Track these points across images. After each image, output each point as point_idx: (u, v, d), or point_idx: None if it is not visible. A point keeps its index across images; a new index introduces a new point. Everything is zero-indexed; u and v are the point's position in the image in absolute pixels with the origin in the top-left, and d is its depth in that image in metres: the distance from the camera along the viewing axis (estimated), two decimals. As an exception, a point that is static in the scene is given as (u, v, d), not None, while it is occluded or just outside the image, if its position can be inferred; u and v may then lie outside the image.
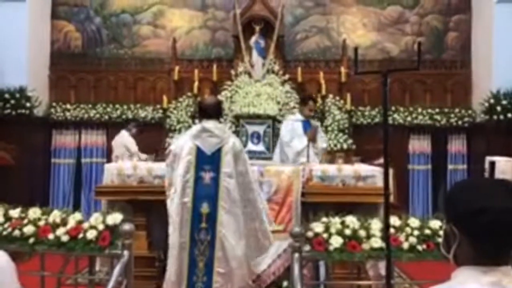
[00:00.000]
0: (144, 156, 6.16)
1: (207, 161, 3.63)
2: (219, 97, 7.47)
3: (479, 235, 1.15)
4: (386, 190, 2.60)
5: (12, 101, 7.38)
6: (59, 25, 8.55)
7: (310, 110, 5.91)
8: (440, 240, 3.24)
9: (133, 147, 7.01)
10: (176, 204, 3.57)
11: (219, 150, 3.64)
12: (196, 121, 7.38)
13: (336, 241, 3.15)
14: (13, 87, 7.46)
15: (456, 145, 8.17)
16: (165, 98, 7.52)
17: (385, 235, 2.57)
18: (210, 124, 3.70)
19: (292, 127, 5.88)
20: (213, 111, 3.79)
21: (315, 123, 6.12)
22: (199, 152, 3.63)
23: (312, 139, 5.60)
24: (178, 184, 3.62)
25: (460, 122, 8.03)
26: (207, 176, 3.61)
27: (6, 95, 7.40)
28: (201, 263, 3.60)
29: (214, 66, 7.70)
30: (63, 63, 8.46)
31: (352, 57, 8.01)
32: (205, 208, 3.58)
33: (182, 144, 3.74)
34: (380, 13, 8.48)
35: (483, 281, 1.14)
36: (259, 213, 3.76)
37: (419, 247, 3.22)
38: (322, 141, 5.89)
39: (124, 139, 7.09)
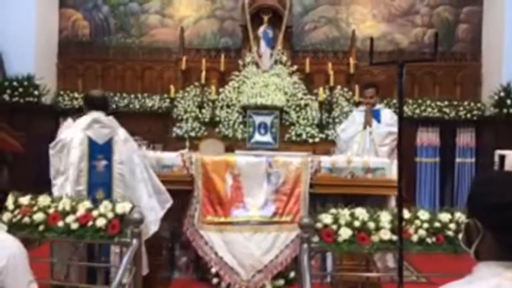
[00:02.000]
0: None
1: (99, 150, 3.86)
2: (227, 87, 7.46)
3: (505, 229, 1.14)
4: (400, 182, 2.57)
5: (20, 89, 7.39)
6: (67, 14, 8.53)
7: (370, 97, 5.90)
8: (449, 233, 3.22)
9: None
10: (69, 193, 3.70)
11: (110, 140, 3.87)
12: (203, 111, 7.39)
13: (345, 233, 3.14)
14: (21, 75, 7.47)
15: (465, 138, 8.10)
16: (172, 88, 7.50)
17: (398, 228, 2.55)
18: (100, 115, 3.90)
19: (353, 118, 6.11)
20: (101, 104, 4.03)
21: (377, 107, 6.05)
22: (91, 142, 3.83)
23: (367, 123, 5.77)
24: (71, 173, 3.79)
25: (469, 115, 7.96)
26: (101, 164, 3.83)
27: (15, 83, 7.40)
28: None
29: (222, 56, 7.65)
30: (70, 51, 8.45)
31: (361, 48, 8.07)
32: (100, 194, 3.78)
33: (72, 135, 3.90)
34: (391, 4, 8.38)
35: (507, 276, 1.12)
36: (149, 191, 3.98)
37: (429, 240, 3.20)
38: (383, 126, 5.80)
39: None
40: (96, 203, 3.43)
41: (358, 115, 6.05)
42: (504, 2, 7.61)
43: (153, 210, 3.93)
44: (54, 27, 8.42)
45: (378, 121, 5.88)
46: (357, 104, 7.16)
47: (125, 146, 3.97)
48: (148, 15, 8.46)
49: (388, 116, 5.90)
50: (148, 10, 8.47)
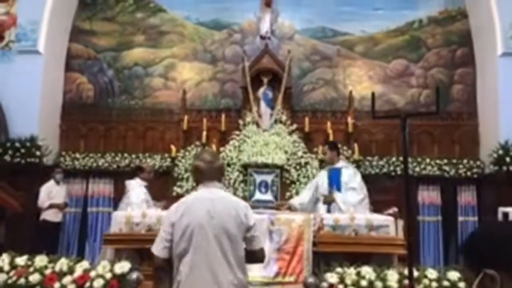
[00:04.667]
0: None
1: None
2: (227, 146, 7.52)
3: None
4: (410, 238, 2.53)
5: (22, 150, 7.46)
6: (72, 77, 8.79)
7: (324, 155, 5.82)
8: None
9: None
10: None
11: None
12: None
13: (352, 292, 3.04)
14: (24, 136, 7.56)
15: (466, 196, 8.07)
16: (173, 148, 7.57)
17: (409, 285, 2.48)
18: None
19: (319, 175, 5.79)
20: None
21: (338, 166, 5.55)
22: None
23: (328, 202, 5.28)
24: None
25: (469, 173, 7.98)
26: None
27: (17, 144, 7.48)
28: None
29: (223, 116, 7.80)
30: (74, 113, 8.61)
31: (359, 108, 8.25)
32: None
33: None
34: (386, 67, 8.68)
35: None
36: None
37: (438, 299, 3.10)
38: (351, 195, 5.24)
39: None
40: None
41: (324, 176, 5.57)
42: (496, 63, 7.87)
43: None
44: (59, 89, 8.64)
45: (336, 182, 5.28)
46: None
47: None
48: (152, 78, 8.73)
49: (347, 178, 5.34)
50: (152, 73, 8.75)
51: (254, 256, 2.53)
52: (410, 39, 8.74)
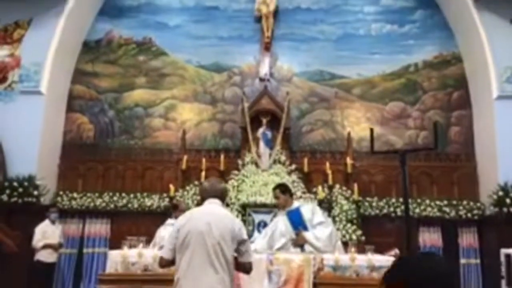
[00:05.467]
0: None
1: None
2: (227, 185, 7.48)
3: None
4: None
5: (20, 190, 7.42)
6: (73, 117, 8.88)
7: (276, 198, 5.08)
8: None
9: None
10: None
11: None
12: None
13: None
14: (22, 176, 7.54)
15: (468, 239, 7.97)
16: (172, 187, 7.54)
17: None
18: None
19: (276, 224, 5.05)
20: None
21: (295, 206, 5.01)
22: None
23: (300, 243, 4.82)
24: None
25: (469, 215, 7.92)
26: None
27: (15, 183, 7.45)
28: None
29: (222, 156, 7.83)
30: (73, 153, 8.63)
31: (357, 148, 8.30)
32: None
33: None
34: (383, 108, 8.80)
35: None
36: None
37: None
38: (320, 230, 4.84)
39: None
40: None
41: (282, 221, 5.00)
42: (491, 105, 7.99)
43: None
44: (60, 129, 8.71)
45: (299, 222, 4.88)
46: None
47: None
48: (152, 119, 8.83)
49: (309, 215, 4.93)
50: (152, 114, 8.85)
51: (244, 267, 3.02)
52: (406, 82, 8.92)
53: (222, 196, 3.17)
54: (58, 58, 8.38)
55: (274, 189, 5.12)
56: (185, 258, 2.86)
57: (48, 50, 8.21)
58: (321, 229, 4.84)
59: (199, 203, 3.14)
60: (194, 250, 2.85)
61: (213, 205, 3.05)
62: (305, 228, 4.84)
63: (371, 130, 2.79)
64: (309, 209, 5.01)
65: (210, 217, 2.93)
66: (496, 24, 8.11)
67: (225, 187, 3.42)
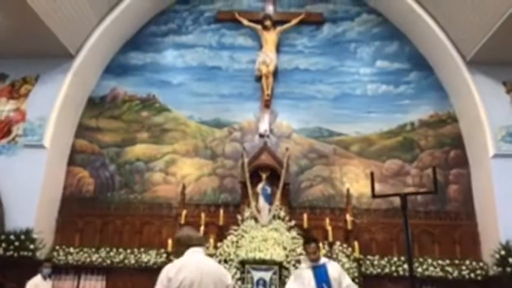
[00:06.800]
0: None
1: None
2: (225, 241, 7.39)
3: None
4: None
5: (16, 243, 7.31)
6: (74, 171, 8.93)
7: (313, 253, 4.91)
8: None
9: None
10: None
11: None
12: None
13: None
14: (20, 229, 7.47)
15: (472, 300, 7.74)
16: (170, 242, 7.44)
17: None
18: None
19: (300, 274, 4.95)
20: None
21: (322, 262, 4.90)
22: None
23: None
24: None
25: (472, 275, 7.74)
26: None
27: (12, 237, 7.36)
28: None
29: (221, 211, 7.80)
30: (72, 207, 8.59)
31: (357, 205, 8.29)
32: None
33: None
34: (381, 166, 8.88)
35: None
36: None
37: None
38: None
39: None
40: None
41: (306, 273, 4.91)
42: (488, 164, 8.07)
43: None
44: (60, 183, 8.72)
45: (324, 280, 4.77)
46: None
47: None
48: (153, 173, 8.88)
49: (336, 274, 4.83)
50: (153, 168, 8.92)
51: None
52: (403, 141, 9.07)
53: (203, 244, 3.31)
54: (63, 113, 8.58)
55: (309, 242, 4.93)
56: None
57: (53, 105, 8.43)
58: None
59: (179, 250, 3.16)
60: None
61: (199, 254, 3.10)
62: (329, 286, 4.71)
63: (372, 174, 2.86)
64: (336, 268, 4.91)
65: (200, 266, 2.99)
66: (488, 85, 8.41)
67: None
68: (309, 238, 5.32)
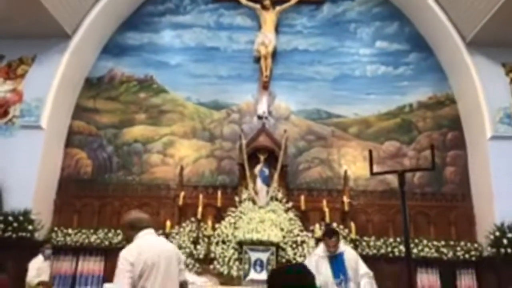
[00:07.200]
0: None
1: None
2: (223, 222, 7.45)
3: None
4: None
5: (15, 224, 7.36)
6: (72, 153, 8.93)
7: (333, 246, 4.79)
8: None
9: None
10: None
11: None
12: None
13: None
14: (18, 210, 7.50)
15: (466, 280, 7.85)
16: (168, 223, 7.49)
17: None
18: None
19: (316, 263, 4.78)
20: None
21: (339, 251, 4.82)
22: None
23: None
24: None
25: (467, 256, 7.84)
26: None
27: (10, 218, 7.40)
28: None
29: (219, 193, 7.83)
30: (70, 188, 8.61)
31: (354, 187, 8.33)
32: None
33: None
34: (379, 147, 8.89)
35: None
36: None
37: None
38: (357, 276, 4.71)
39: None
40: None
41: (322, 263, 4.81)
42: (485, 146, 8.10)
43: None
44: (58, 165, 8.72)
45: (341, 269, 4.72)
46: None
47: None
48: (151, 154, 8.88)
49: (353, 263, 4.80)
50: (151, 150, 8.92)
51: (182, 286, 3.27)
52: (402, 122, 9.07)
53: (151, 225, 3.35)
54: (60, 94, 8.53)
55: (330, 236, 4.81)
56: (148, 283, 2.96)
57: (50, 86, 8.37)
58: (370, 283, 4.69)
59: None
60: (154, 276, 2.98)
61: (151, 235, 3.16)
62: (346, 276, 4.68)
63: (370, 152, 2.87)
64: (353, 257, 4.85)
65: (158, 247, 3.10)
66: (488, 67, 8.36)
67: None
68: (331, 230, 5.14)
